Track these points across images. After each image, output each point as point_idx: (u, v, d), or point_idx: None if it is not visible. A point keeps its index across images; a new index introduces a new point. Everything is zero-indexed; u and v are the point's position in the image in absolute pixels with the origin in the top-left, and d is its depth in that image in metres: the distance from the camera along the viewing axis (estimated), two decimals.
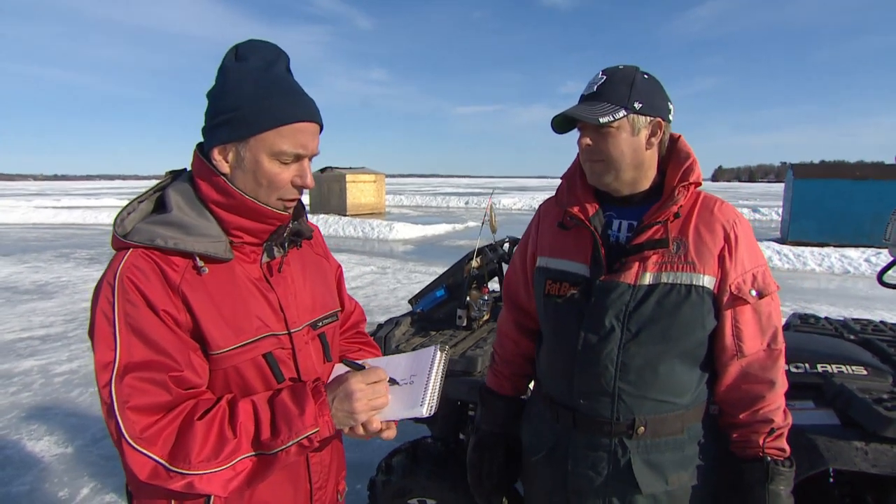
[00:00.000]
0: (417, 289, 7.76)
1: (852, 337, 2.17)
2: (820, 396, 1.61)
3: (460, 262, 2.48)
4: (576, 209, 1.18)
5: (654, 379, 1.12)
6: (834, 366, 1.73)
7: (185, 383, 0.86)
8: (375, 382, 0.94)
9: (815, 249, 10.97)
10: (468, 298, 2.36)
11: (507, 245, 2.98)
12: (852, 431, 1.45)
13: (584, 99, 1.14)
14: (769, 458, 1.13)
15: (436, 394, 0.95)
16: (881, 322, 2.42)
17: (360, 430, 0.94)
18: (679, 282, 1.09)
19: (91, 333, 0.85)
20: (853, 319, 2.43)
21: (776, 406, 1.14)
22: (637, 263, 1.11)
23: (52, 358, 5.03)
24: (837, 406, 1.55)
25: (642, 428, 1.13)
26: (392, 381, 0.97)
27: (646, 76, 1.12)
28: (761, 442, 1.14)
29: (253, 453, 0.85)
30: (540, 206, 1.37)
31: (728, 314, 1.12)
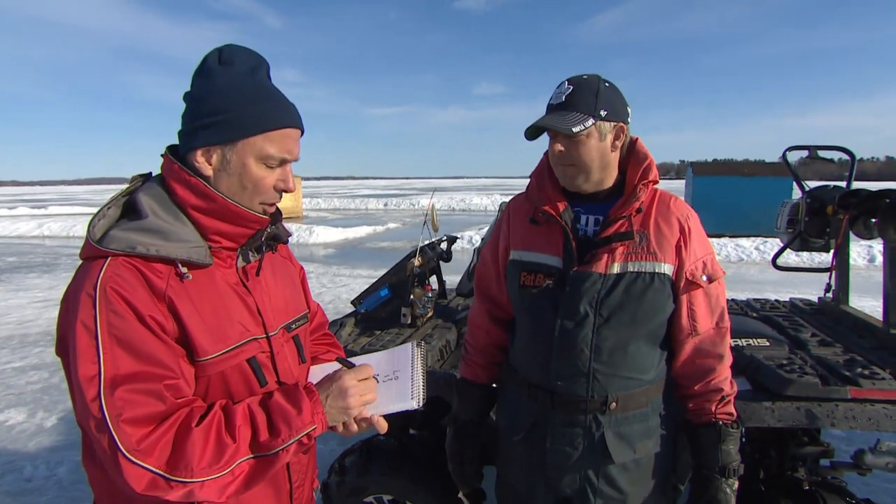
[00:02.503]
0: (344, 292, 7.67)
1: (754, 314, 2.47)
2: (734, 366, 1.83)
3: (402, 261, 2.52)
4: (547, 206, 1.27)
5: (624, 358, 1.23)
6: (743, 339, 1.97)
7: (179, 392, 0.85)
8: (365, 379, 0.97)
9: (714, 240, 12.03)
10: (412, 296, 2.40)
11: (444, 244, 3.05)
12: (761, 394, 1.66)
13: (554, 108, 1.22)
14: (720, 423, 1.27)
15: (422, 386, 1.00)
16: (775, 300, 2.77)
17: (354, 427, 0.96)
18: (644, 270, 1.20)
19: (66, 349, 0.81)
20: (754, 299, 2.76)
21: (724, 377, 1.29)
22: (606, 255, 1.21)
23: None
24: (748, 374, 1.77)
25: (614, 404, 1.23)
26: (375, 379, 1.00)
27: (607, 84, 1.22)
28: (713, 409, 1.27)
29: (251, 456, 0.85)
30: (509, 202, 1.45)
31: (684, 298, 1.24)
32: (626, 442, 1.25)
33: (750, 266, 10.28)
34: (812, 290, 6.84)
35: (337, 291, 7.94)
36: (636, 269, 1.21)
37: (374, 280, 2.55)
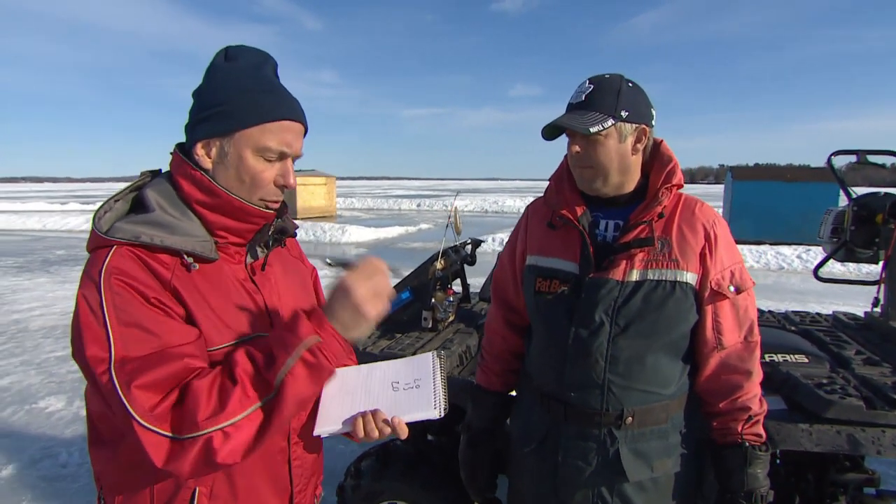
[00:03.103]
0: None
1: (793, 328, 2.33)
2: (768, 383, 1.72)
3: (424, 264, 2.49)
4: (565, 210, 1.22)
5: (642, 371, 1.17)
6: (779, 355, 1.85)
7: (193, 359, 0.82)
8: (372, 274, 0.88)
9: (753, 247, 11.63)
10: (433, 300, 2.36)
11: (468, 247, 3.01)
12: (798, 415, 1.56)
13: (573, 108, 1.17)
14: (747, 444, 1.19)
15: (443, 396, 0.97)
16: (817, 313, 2.61)
17: (375, 433, 0.91)
18: (664, 278, 1.14)
19: (76, 335, 0.80)
20: (793, 312, 2.61)
21: (753, 395, 1.20)
22: (624, 261, 1.16)
23: None
24: (784, 392, 1.66)
25: (630, 418, 1.17)
26: (395, 386, 0.98)
27: (630, 84, 1.17)
28: (740, 429, 1.20)
29: (259, 404, 0.81)
30: (528, 206, 1.41)
31: (709, 309, 1.17)
32: (642, 459, 1.18)
33: (791, 275, 9.86)
34: (859, 302, 6.50)
35: None
36: (656, 277, 1.14)
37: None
